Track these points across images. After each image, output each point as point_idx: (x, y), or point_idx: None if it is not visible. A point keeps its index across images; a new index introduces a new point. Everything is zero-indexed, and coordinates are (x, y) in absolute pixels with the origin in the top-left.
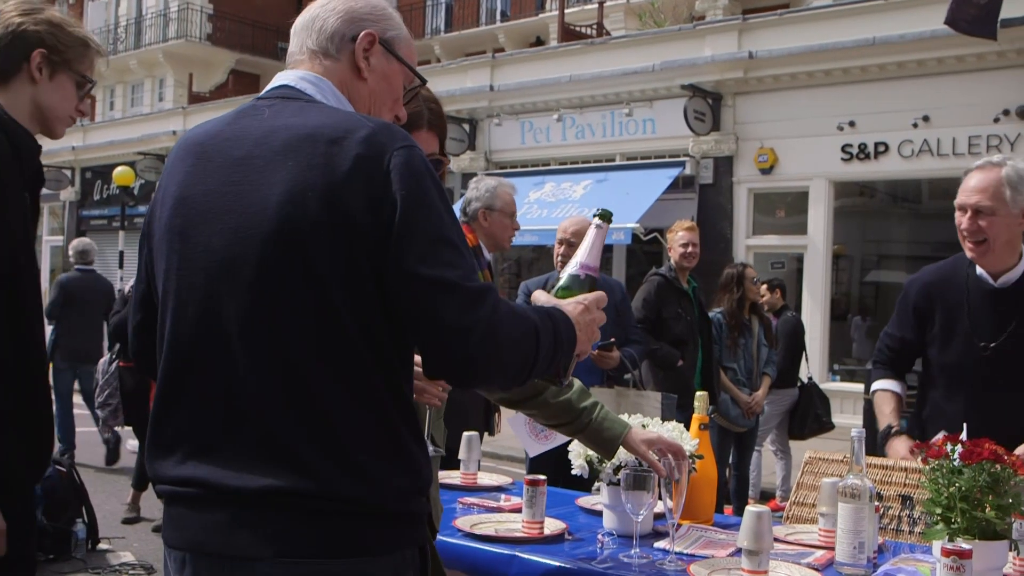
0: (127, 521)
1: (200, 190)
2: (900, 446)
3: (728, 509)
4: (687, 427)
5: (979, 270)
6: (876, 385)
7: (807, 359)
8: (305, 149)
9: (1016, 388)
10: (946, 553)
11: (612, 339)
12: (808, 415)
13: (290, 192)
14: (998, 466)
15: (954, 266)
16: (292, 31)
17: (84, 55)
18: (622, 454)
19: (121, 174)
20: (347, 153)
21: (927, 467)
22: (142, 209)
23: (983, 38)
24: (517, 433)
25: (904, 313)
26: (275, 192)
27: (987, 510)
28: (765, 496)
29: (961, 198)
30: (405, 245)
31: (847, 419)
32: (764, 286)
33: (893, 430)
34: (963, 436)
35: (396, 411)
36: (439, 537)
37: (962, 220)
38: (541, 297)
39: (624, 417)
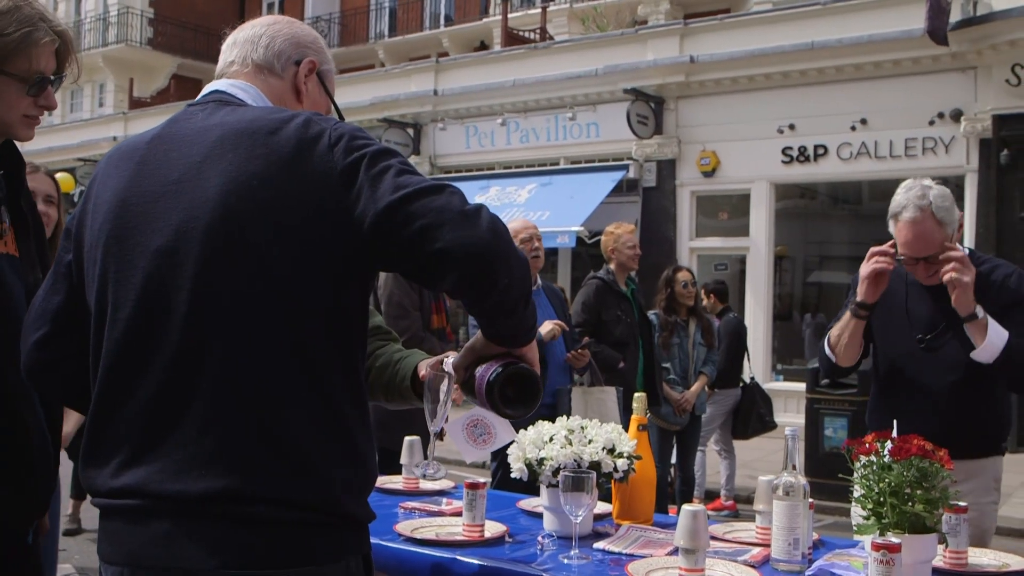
0: (67, 533)
1: (137, 192)
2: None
3: (673, 509)
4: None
5: None
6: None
7: (749, 359)
8: (244, 143)
9: (950, 379)
10: (876, 547)
11: (589, 339)
12: (751, 415)
13: (233, 182)
14: (926, 461)
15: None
16: (229, 44)
17: (18, 52)
18: (560, 457)
19: (60, 180)
20: (288, 139)
21: (858, 464)
22: None
23: (942, 45)
24: (454, 439)
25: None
26: (215, 184)
27: (916, 504)
28: (710, 496)
29: (907, 251)
30: (376, 190)
31: (790, 418)
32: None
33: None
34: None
35: (350, 405)
36: (379, 542)
37: (915, 269)
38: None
39: (577, 418)
